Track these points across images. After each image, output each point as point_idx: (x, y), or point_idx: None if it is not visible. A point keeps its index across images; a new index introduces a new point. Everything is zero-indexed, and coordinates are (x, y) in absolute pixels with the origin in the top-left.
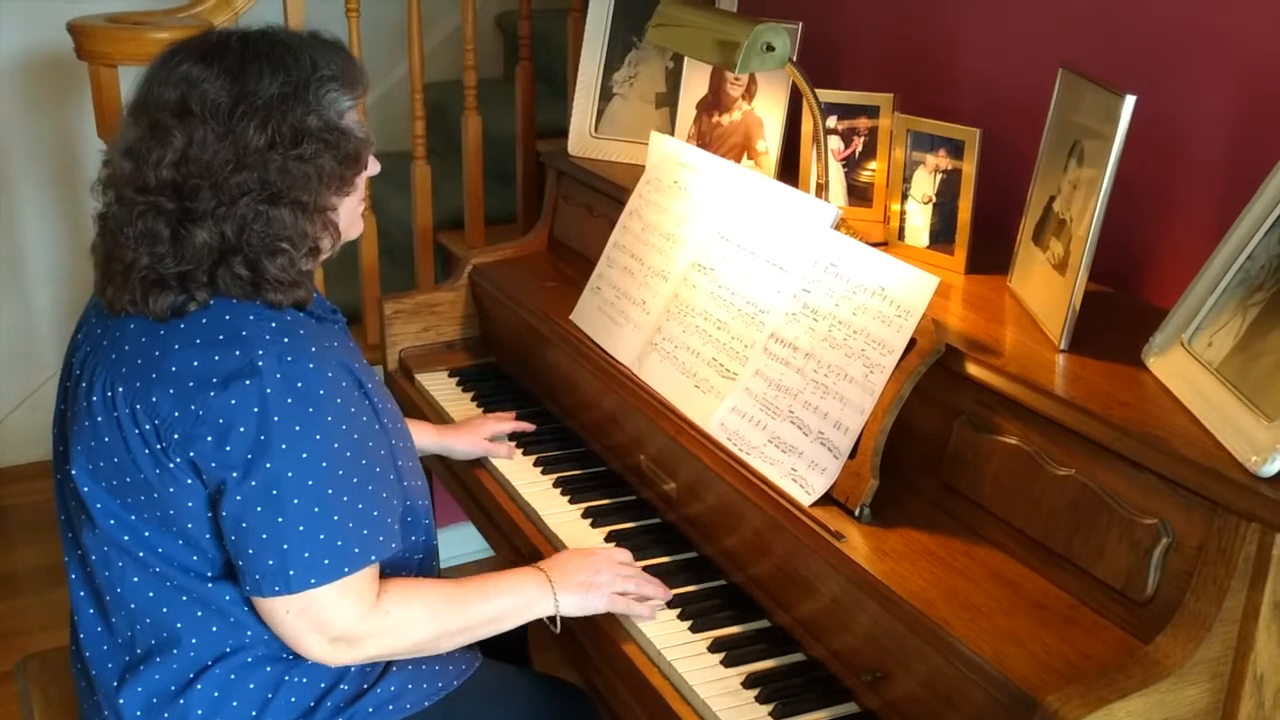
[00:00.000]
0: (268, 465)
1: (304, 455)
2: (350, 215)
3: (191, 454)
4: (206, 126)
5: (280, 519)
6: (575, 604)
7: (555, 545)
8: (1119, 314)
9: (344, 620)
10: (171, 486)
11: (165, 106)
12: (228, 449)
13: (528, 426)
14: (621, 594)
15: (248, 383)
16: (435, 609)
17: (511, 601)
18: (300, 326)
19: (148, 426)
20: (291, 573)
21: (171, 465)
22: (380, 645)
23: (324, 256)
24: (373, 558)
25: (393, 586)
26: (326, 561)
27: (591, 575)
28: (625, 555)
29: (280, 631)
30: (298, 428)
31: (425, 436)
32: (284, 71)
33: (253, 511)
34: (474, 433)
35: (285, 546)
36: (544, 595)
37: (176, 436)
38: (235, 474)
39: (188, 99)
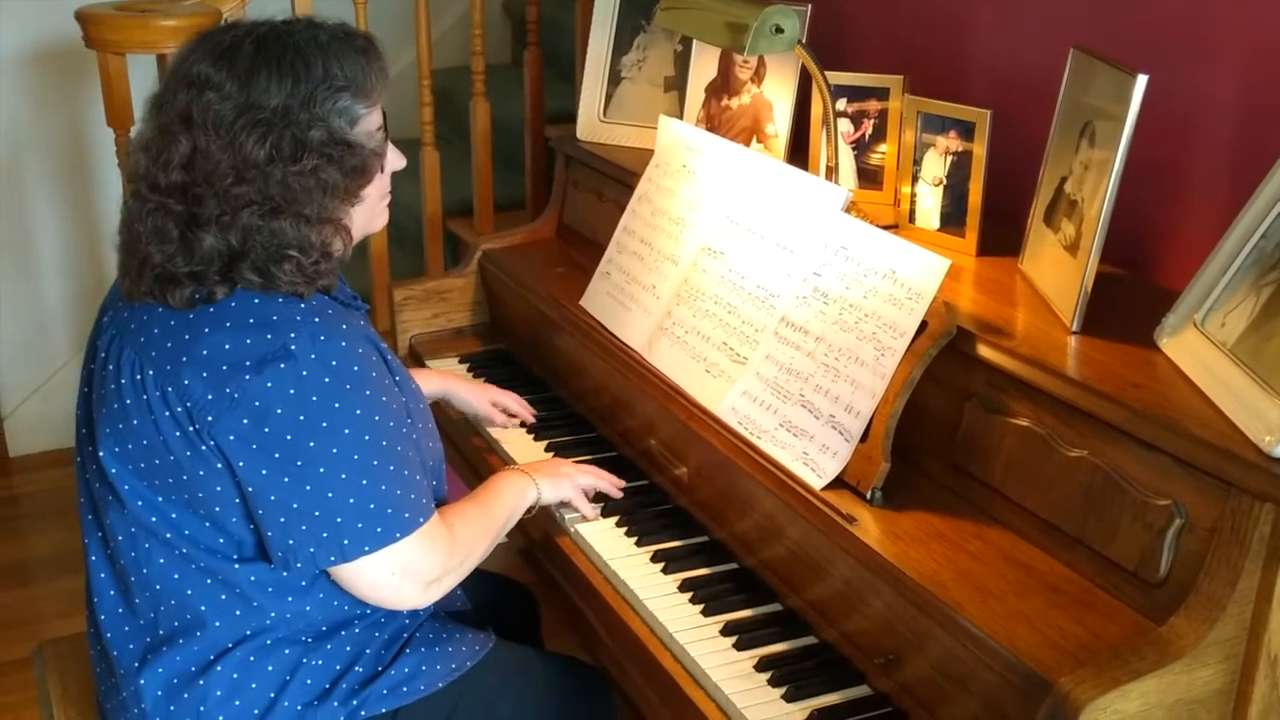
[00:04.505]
0: (311, 445)
1: (346, 431)
2: (367, 215)
3: (231, 436)
4: (209, 137)
5: (330, 495)
6: (549, 490)
7: (568, 531)
8: (1131, 295)
9: (438, 564)
10: (202, 469)
11: (174, 110)
12: (266, 430)
13: (530, 416)
14: (583, 488)
15: (282, 366)
16: (481, 523)
17: (514, 498)
18: (328, 307)
19: (179, 409)
20: (346, 542)
21: (204, 448)
22: (458, 574)
23: (339, 257)
24: (421, 520)
25: (450, 516)
26: (379, 529)
27: (555, 469)
28: (575, 463)
29: (376, 594)
30: (337, 405)
31: (431, 383)
32: (293, 80)
33: (301, 491)
34: (481, 391)
35: (339, 520)
36: (530, 486)
37: (210, 419)
38: (277, 455)
39: (192, 107)
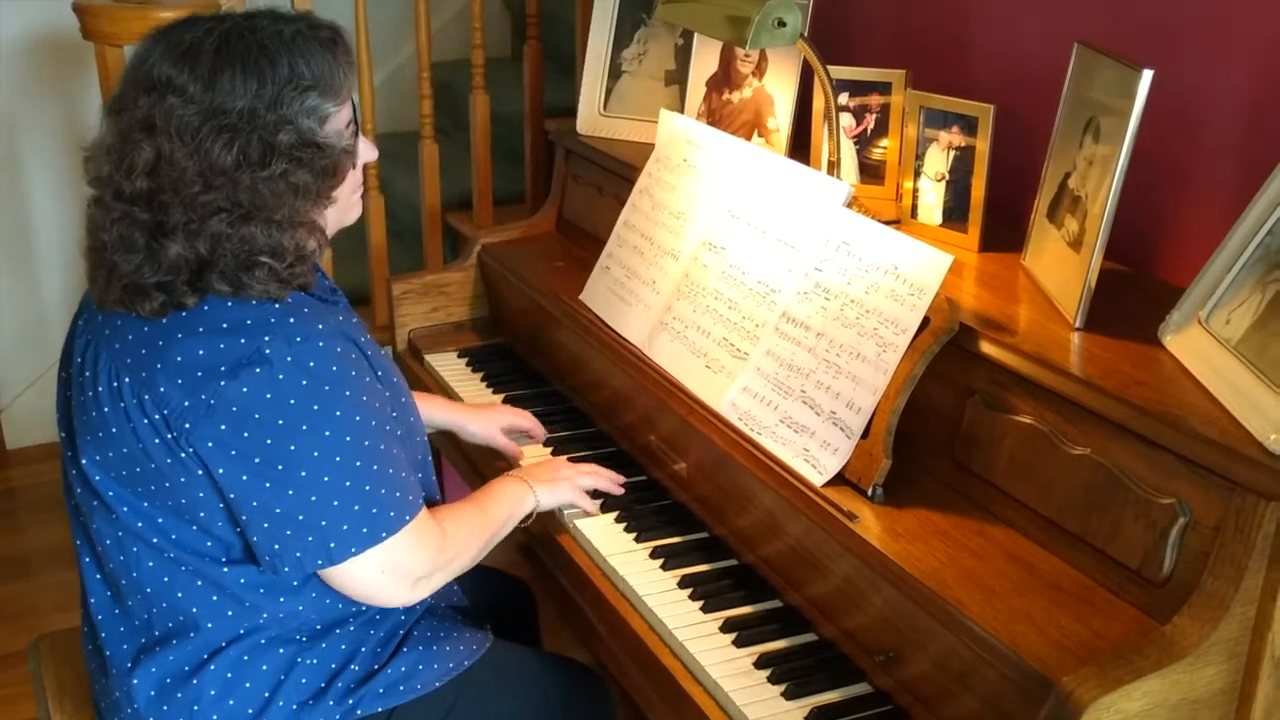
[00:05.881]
0: (292, 448)
1: (326, 434)
2: (340, 211)
3: (209, 443)
4: (174, 143)
5: (314, 498)
6: (548, 495)
7: (567, 527)
8: (1135, 292)
9: (427, 561)
10: (183, 476)
11: (135, 115)
12: (245, 436)
13: (541, 432)
14: (584, 489)
15: (258, 370)
16: (476, 525)
17: (510, 504)
18: (304, 305)
19: (157, 417)
20: (333, 545)
21: (183, 455)
22: (447, 572)
23: (315, 257)
24: (407, 517)
25: (443, 515)
26: (365, 530)
27: (554, 473)
28: (575, 463)
29: (364, 591)
30: (316, 407)
31: (437, 411)
32: (258, 80)
33: (284, 496)
34: (490, 420)
35: (324, 523)
36: (526, 492)
37: (188, 425)
38: (257, 460)
39: (154, 112)
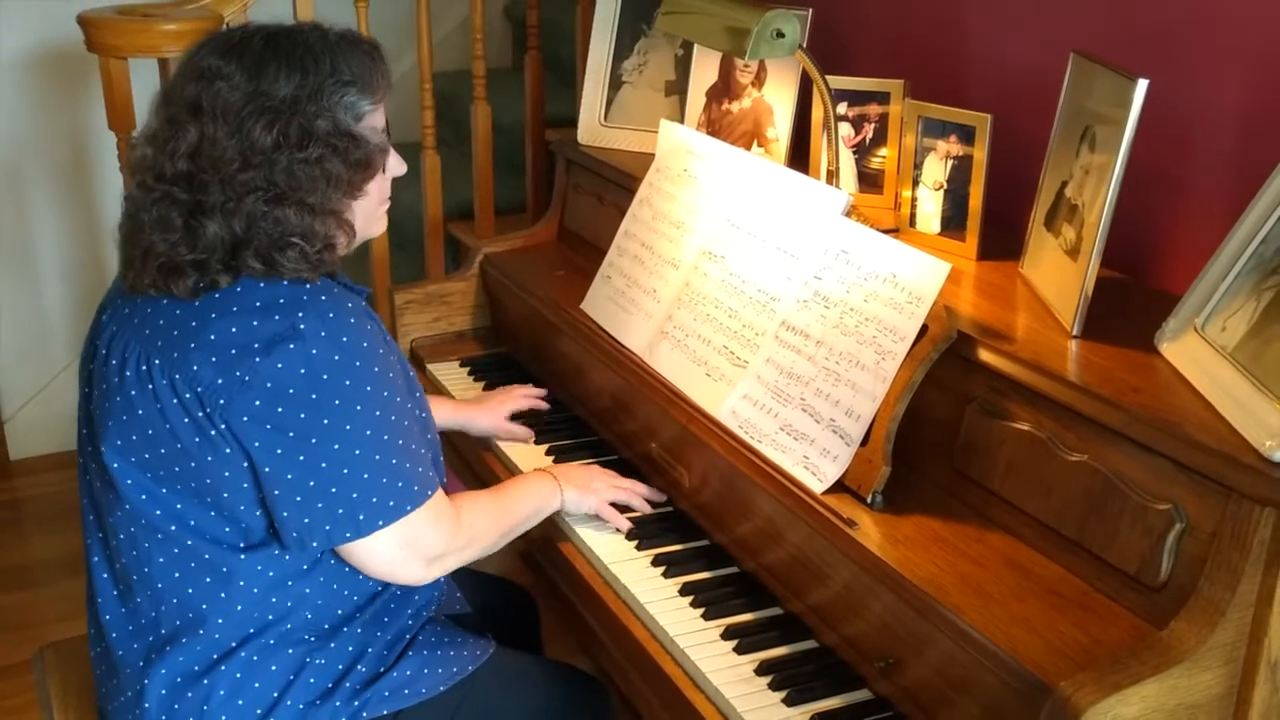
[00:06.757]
0: (325, 422)
1: (358, 408)
2: (368, 215)
3: (244, 418)
4: (217, 124)
5: (345, 470)
6: (574, 500)
7: (568, 535)
8: (1131, 300)
9: (443, 540)
10: (210, 455)
11: (183, 101)
12: (279, 410)
13: (541, 403)
14: (612, 504)
15: (291, 346)
16: (493, 513)
17: (536, 498)
18: (333, 287)
19: (188, 395)
20: (361, 517)
21: (213, 433)
22: (462, 555)
23: (341, 252)
24: (429, 492)
25: (461, 499)
26: (392, 503)
27: (587, 481)
28: (615, 475)
29: (382, 567)
30: (348, 382)
31: (442, 412)
32: (301, 73)
33: (317, 469)
34: (495, 412)
35: (354, 495)
36: (554, 491)
37: (222, 402)
38: (291, 434)
39: (201, 96)
